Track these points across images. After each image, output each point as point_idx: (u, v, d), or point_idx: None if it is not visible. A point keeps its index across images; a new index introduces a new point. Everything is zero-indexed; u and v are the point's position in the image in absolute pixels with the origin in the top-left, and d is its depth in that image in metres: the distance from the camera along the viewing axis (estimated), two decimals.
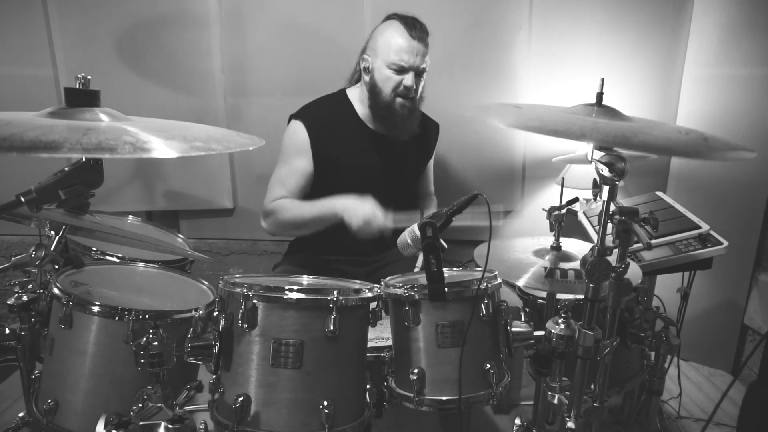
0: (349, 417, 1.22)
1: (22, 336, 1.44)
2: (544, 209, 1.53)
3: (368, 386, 1.28)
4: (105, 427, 1.06)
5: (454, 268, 1.52)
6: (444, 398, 1.25)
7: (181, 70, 2.57)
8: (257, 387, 1.16)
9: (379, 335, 1.55)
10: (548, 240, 1.59)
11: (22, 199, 0.99)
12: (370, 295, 1.27)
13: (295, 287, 1.18)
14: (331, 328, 1.16)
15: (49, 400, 1.31)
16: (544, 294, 1.71)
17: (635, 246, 1.13)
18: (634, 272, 1.48)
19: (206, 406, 1.25)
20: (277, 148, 2.06)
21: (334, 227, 1.85)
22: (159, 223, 2.24)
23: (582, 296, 1.17)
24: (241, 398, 1.14)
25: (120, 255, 1.70)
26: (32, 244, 1.30)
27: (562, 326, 1.23)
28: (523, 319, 1.40)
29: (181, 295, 1.59)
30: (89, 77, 1.07)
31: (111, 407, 1.23)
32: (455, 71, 2.55)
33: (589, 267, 1.12)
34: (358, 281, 1.37)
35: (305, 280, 1.51)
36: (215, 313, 1.27)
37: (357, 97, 2.02)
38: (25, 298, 1.43)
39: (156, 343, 1.08)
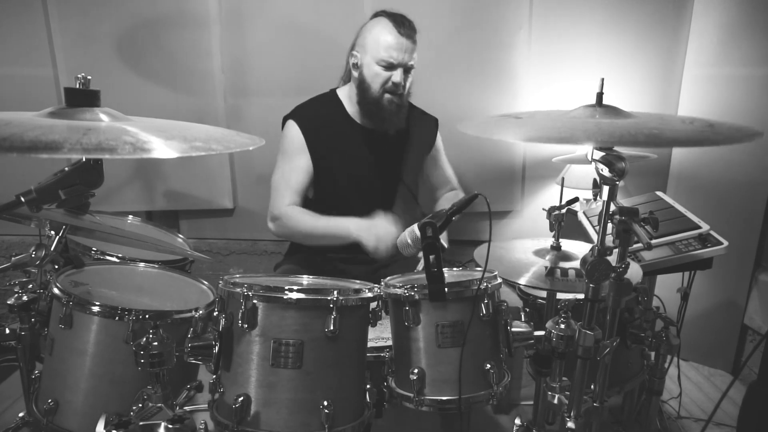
0: (349, 417, 1.22)
1: (22, 336, 1.44)
2: (544, 209, 1.53)
3: (368, 386, 1.28)
4: (105, 427, 1.06)
5: (454, 268, 1.52)
6: (444, 398, 1.25)
7: (181, 70, 2.57)
8: (257, 387, 1.16)
9: (379, 335, 1.55)
10: (548, 241, 1.59)
11: (22, 199, 0.99)
12: (370, 295, 1.27)
13: (295, 287, 1.18)
14: (331, 328, 1.16)
15: (49, 400, 1.31)
16: (544, 294, 1.71)
17: (635, 246, 1.13)
18: (634, 271, 1.48)
19: (206, 406, 1.25)
20: (277, 148, 2.07)
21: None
22: (159, 223, 2.24)
23: (582, 295, 1.17)
24: (241, 398, 1.14)
25: (120, 255, 1.70)
26: (32, 244, 1.30)
27: (562, 326, 1.23)
28: (523, 319, 1.40)
29: (181, 295, 1.59)
30: (89, 77, 1.07)
31: (111, 407, 1.23)
32: (455, 71, 2.55)
33: (589, 267, 1.12)
34: (358, 281, 1.37)
35: (305, 280, 1.51)
36: (215, 313, 1.27)
37: (346, 95, 2.07)
38: (25, 298, 1.43)
39: (156, 343, 1.08)
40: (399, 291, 1.28)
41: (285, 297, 1.17)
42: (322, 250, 2.09)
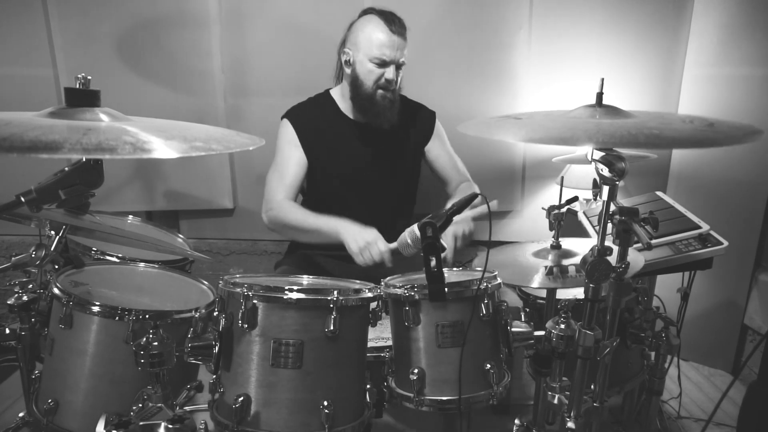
0: (349, 417, 1.22)
1: (22, 336, 1.44)
2: (543, 209, 1.53)
3: (368, 386, 1.28)
4: (105, 427, 1.06)
5: (454, 268, 1.52)
6: (444, 398, 1.25)
7: (181, 70, 2.57)
8: (257, 387, 1.16)
9: (379, 335, 1.55)
10: (548, 241, 1.59)
11: (22, 199, 0.99)
12: (370, 295, 1.27)
13: (295, 287, 1.18)
14: (331, 328, 1.16)
15: (49, 400, 1.31)
16: (544, 294, 1.71)
17: (635, 246, 1.13)
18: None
19: (206, 406, 1.25)
20: None
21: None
22: (159, 223, 2.24)
23: (581, 295, 1.17)
24: (241, 398, 1.14)
25: (120, 255, 1.70)
26: (32, 244, 1.30)
27: (562, 326, 1.23)
28: (523, 319, 1.40)
29: (181, 295, 1.59)
30: (89, 77, 1.07)
31: (111, 407, 1.23)
32: (455, 71, 2.55)
33: (589, 267, 1.12)
34: (358, 281, 1.37)
35: (305, 280, 1.51)
36: (215, 313, 1.27)
37: (339, 93, 2.11)
38: (25, 298, 1.43)
39: (156, 343, 1.08)
40: (399, 291, 1.28)
41: (285, 297, 1.17)
42: (321, 248, 2.10)
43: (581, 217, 2.12)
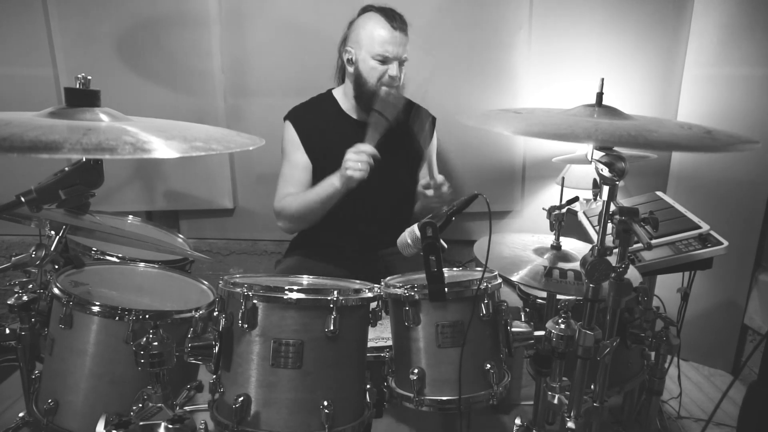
0: (349, 417, 1.22)
1: (22, 336, 1.44)
2: (544, 209, 1.53)
3: (368, 386, 1.28)
4: (105, 427, 1.06)
5: (454, 268, 1.52)
6: (444, 398, 1.25)
7: (181, 70, 2.57)
8: (257, 387, 1.16)
9: (379, 335, 1.55)
10: (548, 238, 1.59)
11: (22, 199, 0.99)
12: (370, 295, 1.27)
13: (295, 287, 1.18)
14: (331, 328, 1.16)
15: (49, 400, 1.31)
16: (544, 294, 1.71)
17: (635, 246, 1.13)
18: (632, 275, 1.47)
19: (206, 406, 1.26)
20: (277, 148, 2.09)
21: (328, 223, 1.93)
22: (159, 223, 2.24)
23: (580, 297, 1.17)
24: (241, 398, 1.14)
25: (120, 255, 1.70)
26: (32, 244, 1.30)
27: (562, 326, 1.23)
28: (523, 319, 1.40)
29: (181, 295, 1.59)
30: (89, 77, 1.07)
31: (111, 407, 1.23)
32: (455, 71, 2.55)
33: (589, 267, 1.12)
34: (358, 281, 1.37)
35: (305, 280, 1.51)
36: (215, 313, 1.27)
37: (341, 93, 2.12)
38: (25, 298, 1.43)
39: (156, 343, 1.08)
40: (399, 291, 1.28)
41: (285, 297, 1.17)
42: (321, 248, 2.10)
43: (581, 217, 2.12)
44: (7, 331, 1.45)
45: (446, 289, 1.22)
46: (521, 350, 1.44)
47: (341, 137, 2.05)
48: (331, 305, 1.17)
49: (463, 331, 1.24)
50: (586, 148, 1.16)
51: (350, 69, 2.00)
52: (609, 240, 1.14)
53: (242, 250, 2.89)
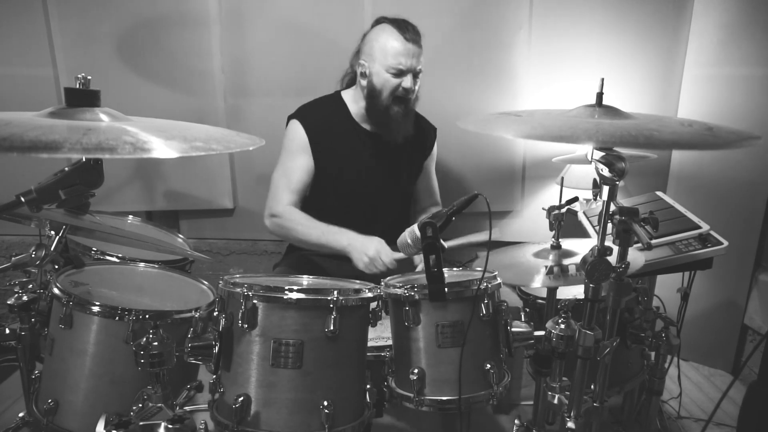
0: (349, 417, 1.22)
1: (22, 336, 1.44)
2: (543, 209, 1.53)
3: (368, 386, 1.28)
4: (105, 427, 1.06)
5: (454, 268, 1.52)
6: (444, 398, 1.25)
7: (181, 70, 2.57)
8: (257, 387, 1.16)
9: (379, 335, 1.55)
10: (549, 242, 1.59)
11: (22, 199, 0.99)
12: (370, 295, 1.27)
13: (295, 287, 1.18)
14: (331, 328, 1.16)
15: (49, 400, 1.31)
16: (544, 294, 1.71)
17: (635, 246, 1.13)
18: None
19: (206, 406, 1.25)
20: (277, 148, 2.07)
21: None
22: (159, 223, 2.24)
23: (581, 296, 1.17)
24: (241, 398, 1.14)
25: (120, 255, 1.70)
26: (32, 244, 1.30)
27: (562, 326, 1.23)
28: (523, 319, 1.40)
29: (181, 295, 1.59)
30: (89, 77, 1.07)
31: (111, 407, 1.23)
32: (455, 71, 2.55)
33: (589, 267, 1.12)
34: (358, 281, 1.37)
35: (305, 280, 1.51)
36: (215, 313, 1.27)
37: (351, 98, 2.07)
38: (25, 298, 1.43)
39: (156, 343, 1.08)
40: (399, 291, 1.28)
41: (285, 297, 1.17)
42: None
43: (581, 217, 2.12)
44: (7, 331, 1.45)
45: (446, 289, 1.22)
46: (521, 350, 1.44)
47: (347, 144, 2.04)
48: (331, 305, 1.17)
49: (463, 331, 1.24)
50: (586, 148, 1.16)
51: (363, 82, 1.97)
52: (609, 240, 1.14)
53: (242, 250, 2.89)
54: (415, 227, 1.34)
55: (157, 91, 2.57)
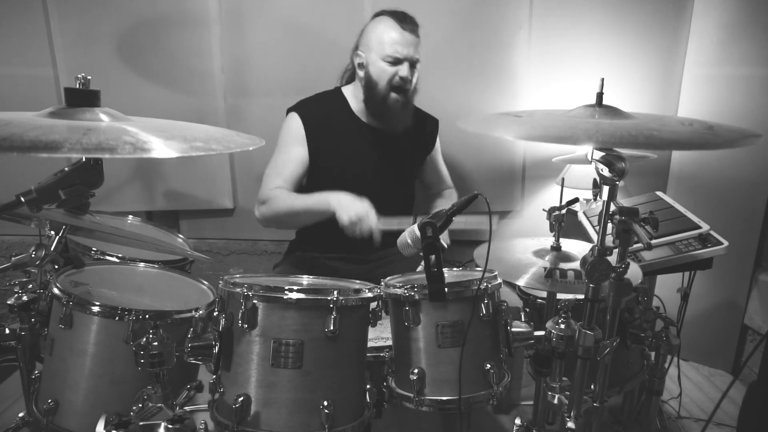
0: (349, 417, 1.22)
1: (22, 336, 1.44)
2: (544, 209, 1.53)
3: (368, 386, 1.28)
4: (105, 427, 1.06)
5: (454, 268, 1.52)
6: (444, 398, 1.25)
7: (181, 70, 2.57)
8: (257, 387, 1.16)
9: (379, 335, 1.55)
10: (548, 240, 1.59)
11: (22, 199, 0.99)
12: (370, 295, 1.27)
13: (295, 287, 1.18)
14: (331, 328, 1.16)
15: (49, 400, 1.30)
16: (544, 294, 1.71)
17: (635, 246, 1.13)
18: (633, 272, 1.48)
19: (206, 406, 1.25)
20: None
21: (328, 222, 1.83)
22: (159, 223, 2.24)
23: (581, 296, 1.17)
24: (241, 398, 1.14)
25: (120, 255, 1.70)
26: (32, 244, 1.30)
27: (562, 326, 1.23)
28: (523, 319, 1.40)
29: (181, 295, 1.59)
30: (89, 77, 1.07)
31: (111, 407, 1.23)
32: (455, 71, 2.55)
33: (589, 267, 1.12)
34: (358, 281, 1.37)
35: (305, 280, 1.51)
36: (215, 313, 1.27)
37: (351, 93, 2.08)
38: (25, 298, 1.43)
39: (156, 343, 1.08)
40: (399, 291, 1.28)
41: (285, 297, 1.17)
42: (321, 249, 2.09)
43: (581, 217, 2.12)
44: (7, 331, 1.45)
45: (446, 289, 1.22)
46: (521, 350, 1.44)
47: (347, 138, 2.04)
48: (331, 305, 1.17)
49: (463, 331, 1.24)
50: (586, 148, 1.16)
51: (361, 73, 1.98)
52: (609, 240, 1.14)
53: (242, 250, 2.89)
54: (415, 227, 1.33)
55: (157, 91, 2.58)
